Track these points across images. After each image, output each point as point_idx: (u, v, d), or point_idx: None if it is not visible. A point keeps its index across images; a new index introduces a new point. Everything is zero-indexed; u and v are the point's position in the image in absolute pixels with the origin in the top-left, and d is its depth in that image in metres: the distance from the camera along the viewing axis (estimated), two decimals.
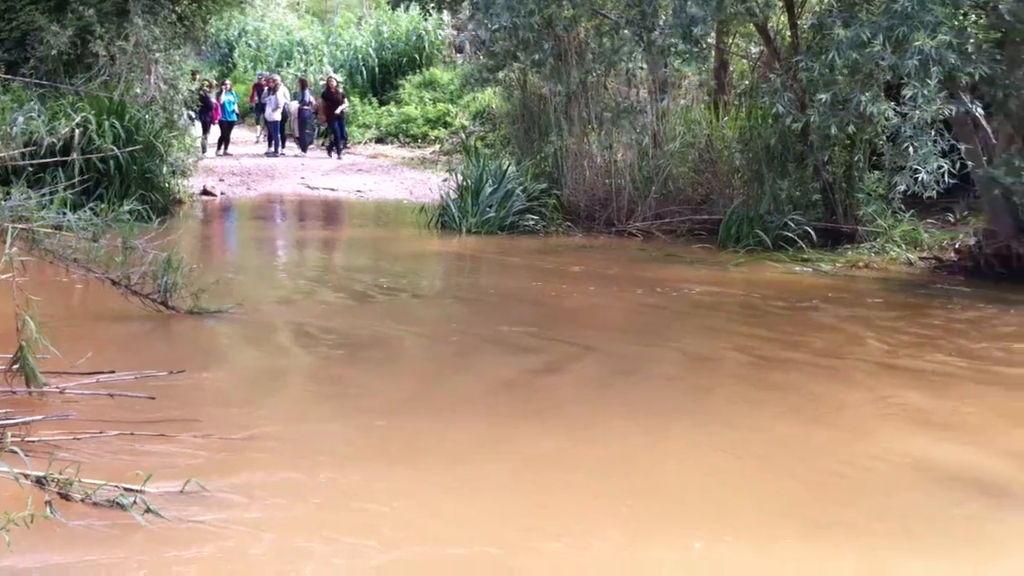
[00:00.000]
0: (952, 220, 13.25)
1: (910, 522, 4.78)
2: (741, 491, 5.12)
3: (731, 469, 5.41)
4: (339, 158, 23.25)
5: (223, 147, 23.47)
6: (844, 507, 4.93)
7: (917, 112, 9.63)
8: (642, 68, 15.07)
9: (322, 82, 25.51)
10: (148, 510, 4.47)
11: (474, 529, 4.62)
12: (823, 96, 10.68)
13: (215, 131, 23.45)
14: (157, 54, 15.86)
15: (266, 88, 24.10)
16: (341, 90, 24.18)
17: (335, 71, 27.43)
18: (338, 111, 23.54)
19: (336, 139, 23.79)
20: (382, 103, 27.10)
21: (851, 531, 4.65)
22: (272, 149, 23.86)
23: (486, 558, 4.36)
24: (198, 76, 23.00)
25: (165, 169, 14.86)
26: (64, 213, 7.31)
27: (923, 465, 5.55)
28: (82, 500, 4.54)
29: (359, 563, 4.28)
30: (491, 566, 4.29)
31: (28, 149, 10.75)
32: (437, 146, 24.52)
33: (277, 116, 23.74)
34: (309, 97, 24.25)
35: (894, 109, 10.04)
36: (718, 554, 4.43)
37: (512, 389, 6.88)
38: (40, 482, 4.55)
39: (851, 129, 11.11)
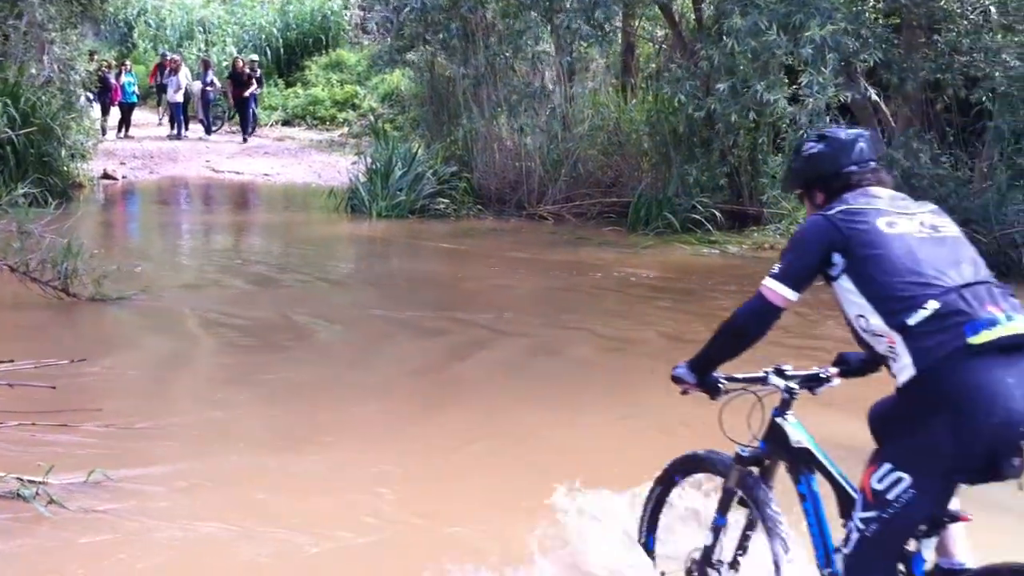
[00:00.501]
0: None
1: None
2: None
3: (639, 443, 5.45)
4: (245, 140, 22.85)
5: (124, 129, 22.89)
6: None
7: (811, 100, 9.80)
8: (547, 52, 15.08)
9: (226, 63, 25.04)
10: (51, 501, 4.37)
11: (376, 514, 4.59)
12: (722, 86, 10.83)
13: (115, 113, 22.85)
14: (53, 34, 15.40)
15: (168, 69, 23.56)
16: (248, 70, 23.71)
17: (239, 51, 26.93)
18: (247, 93, 23.10)
19: (243, 121, 23.36)
20: (288, 84, 26.70)
21: None
22: (175, 132, 23.35)
23: (388, 543, 4.34)
24: (96, 57, 22.38)
25: (63, 152, 14.47)
26: None
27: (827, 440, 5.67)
28: None
29: (261, 549, 4.24)
30: (393, 550, 4.26)
31: None
32: (345, 129, 24.25)
33: (179, 98, 23.23)
34: (212, 78, 23.77)
35: (788, 97, 10.21)
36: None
37: (423, 373, 6.85)
38: None
39: (751, 117, 11.28)
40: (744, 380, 3.31)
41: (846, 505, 2.98)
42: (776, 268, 3.01)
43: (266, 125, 24.79)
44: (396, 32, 15.86)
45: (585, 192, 14.17)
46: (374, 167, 14.60)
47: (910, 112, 11.57)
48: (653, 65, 15.95)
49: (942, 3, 10.91)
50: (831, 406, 6.27)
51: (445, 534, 4.37)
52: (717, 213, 12.63)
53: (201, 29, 29.92)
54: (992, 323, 2.67)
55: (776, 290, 2.98)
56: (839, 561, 2.92)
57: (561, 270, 10.61)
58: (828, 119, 10.01)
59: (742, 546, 3.39)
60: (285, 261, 11.34)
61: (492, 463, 5.28)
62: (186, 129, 23.56)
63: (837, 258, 2.89)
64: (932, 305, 2.71)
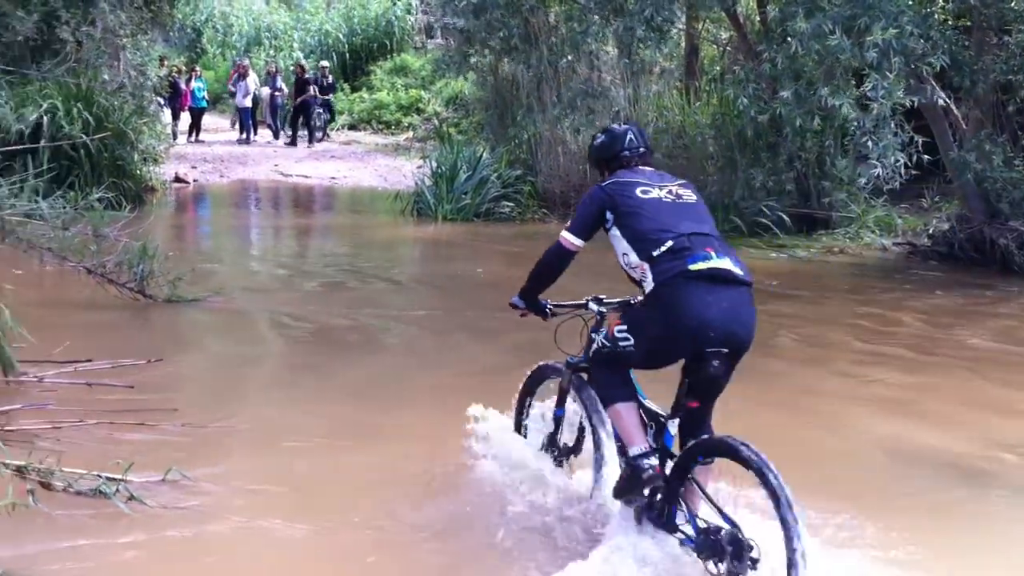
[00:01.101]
0: (925, 206, 13.37)
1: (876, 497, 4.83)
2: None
3: None
4: (309, 145, 23.10)
5: (194, 134, 23.29)
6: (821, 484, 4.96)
7: (876, 105, 9.67)
8: (607, 51, 15.07)
9: (293, 68, 25.36)
10: (131, 498, 4.45)
11: (450, 517, 4.62)
12: (785, 93, 10.73)
13: (186, 118, 23.26)
14: (124, 40, 15.72)
15: (237, 74, 23.92)
16: (309, 75, 23.97)
17: (305, 57, 27.26)
18: (299, 100, 23.38)
19: (308, 127, 23.60)
20: (354, 89, 26.97)
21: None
22: (244, 136, 23.69)
23: (463, 540, 4.38)
24: (166, 62, 22.78)
25: (136, 156, 14.72)
26: (36, 201, 7.21)
27: (891, 446, 5.63)
28: (64, 489, 4.50)
29: (326, 547, 4.30)
30: (472, 547, 4.29)
31: None
32: (410, 133, 24.43)
33: (248, 103, 23.57)
34: (280, 84, 24.09)
35: (851, 102, 10.07)
36: None
37: (485, 374, 6.86)
38: (21, 471, 4.50)
39: (816, 122, 11.16)
40: (570, 306, 4.55)
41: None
42: (569, 223, 4.23)
43: (333, 130, 25.08)
44: (454, 30, 15.93)
45: None
46: (439, 171, 14.69)
47: (981, 115, 11.36)
48: (718, 67, 15.85)
49: (1013, 4, 10.70)
50: (900, 408, 6.31)
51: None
52: (784, 217, 12.51)
53: (268, 35, 30.33)
54: (706, 258, 3.86)
55: (569, 238, 4.20)
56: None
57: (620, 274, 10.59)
58: (894, 123, 9.88)
59: (580, 433, 4.64)
60: (352, 263, 11.45)
61: None
62: (255, 134, 23.89)
63: (608, 215, 4.09)
64: (668, 244, 3.90)
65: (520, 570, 4.10)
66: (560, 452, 4.72)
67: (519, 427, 4.89)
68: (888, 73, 9.57)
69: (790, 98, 10.71)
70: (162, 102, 20.06)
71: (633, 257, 3.98)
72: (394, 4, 28.08)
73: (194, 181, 17.85)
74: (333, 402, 6.18)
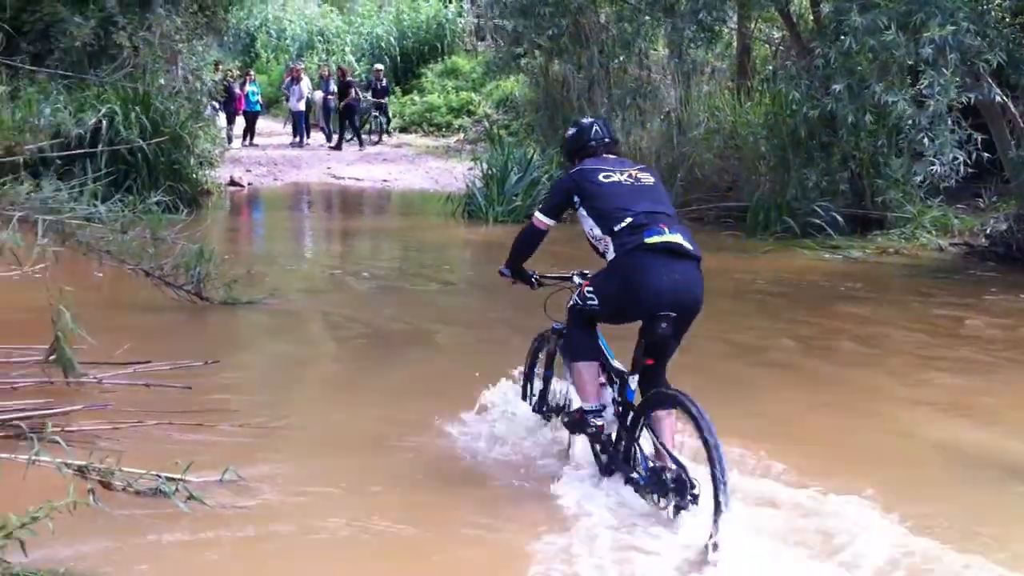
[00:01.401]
0: (982, 205, 13.15)
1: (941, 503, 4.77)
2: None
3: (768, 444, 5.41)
4: (360, 148, 23.25)
5: (248, 137, 23.54)
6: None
7: (932, 102, 9.55)
8: (655, 50, 15.03)
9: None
10: (190, 497, 4.50)
11: (500, 519, 4.64)
12: (837, 86, 10.62)
13: (240, 122, 23.52)
14: (180, 45, 15.92)
15: (290, 78, 24.15)
16: (351, 78, 24.16)
17: (357, 60, 27.46)
18: (343, 103, 23.56)
19: (353, 129, 23.75)
20: (405, 92, 27.11)
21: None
22: (297, 139, 23.91)
23: (511, 547, 4.38)
24: (221, 67, 23.05)
25: (192, 160, 14.92)
26: (95, 205, 7.32)
27: (952, 447, 5.56)
28: (124, 489, 4.56)
29: (389, 546, 4.33)
30: (512, 554, 4.31)
31: (56, 141, 10.79)
32: (461, 135, 24.51)
33: (301, 106, 23.79)
34: (333, 87, 24.29)
35: (906, 99, 9.95)
36: None
37: None
38: (82, 471, 4.57)
39: (869, 119, 11.04)
40: (556, 278, 5.21)
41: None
42: (542, 205, 5.00)
43: (385, 132, 25.24)
44: (502, 30, 15.98)
45: (701, 196, 14.06)
46: (490, 172, 14.73)
47: None
48: (770, 67, 15.73)
49: None
50: (959, 410, 6.22)
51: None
52: (838, 217, 12.38)
53: (320, 39, 30.58)
54: (660, 233, 4.46)
55: (541, 219, 4.89)
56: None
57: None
58: (951, 120, 9.75)
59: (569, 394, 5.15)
60: (404, 265, 11.52)
61: None
62: (308, 137, 24.10)
63: (576, 198, 4.72)
64: (628, 220, 4.52)
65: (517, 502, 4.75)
66: (550, 409, 5.38)
67: (525, 394, 5.62)
68: (944, 70, 9.45)
69: (843, 92, 10.60)
70: (217, 106, 20.31)
71: (598, 231, 4.64)
72: (445, 7, 28.19)
73: (248, 184, 18.05)
74: (386, 403, 6.22)
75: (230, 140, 21.92)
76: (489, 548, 4.38)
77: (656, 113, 14.68)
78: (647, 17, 14.24)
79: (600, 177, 4.70)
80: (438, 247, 12.88)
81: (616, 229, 4.51)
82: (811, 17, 13.46)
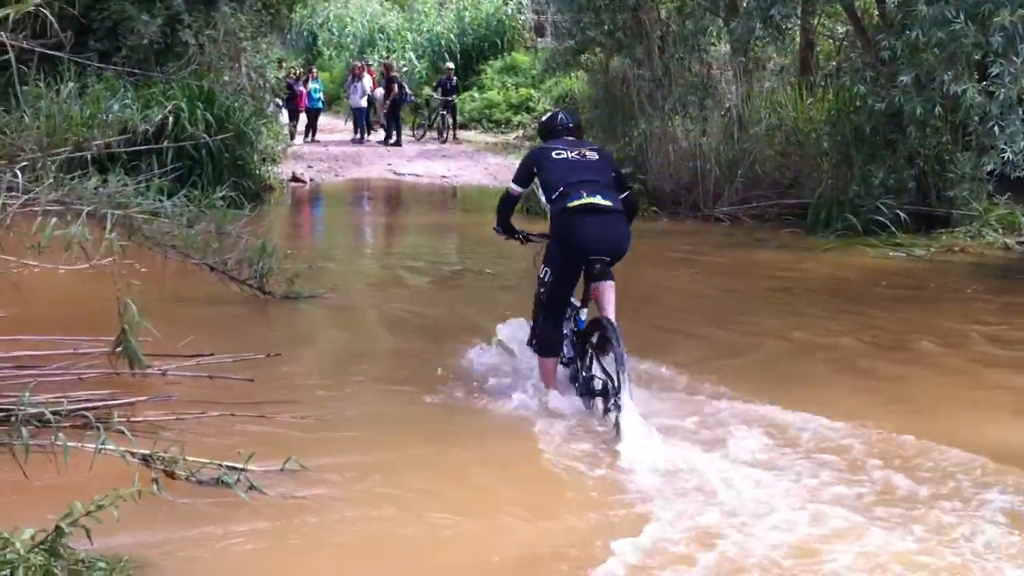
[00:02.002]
0: None
1: None
2: None
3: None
4: (399, 145, 23.32)
5: (310, 134, 23.77)
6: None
7: (1003, 91, 9.37)
8: (714, 45, 14.90)
9: (405, 68, 25.76)
10: (252, 487, 4.57)
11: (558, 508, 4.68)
12: (905, 78, 10.46)
13: (303, 119, 23.76)
14: (245, 42, 16.12)
15: (352, 75, 24.35)
16: (395, 73, 24.34)
17: (418, 58, 27.58)
18: (390, 99, 23.73)
19: (395, 127, 23.89)
20: (465, 89, 27.19)
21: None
22: (358, 136, 24.10)
23: (575, 535, 4.40)
24: (284, 64, 23.30)
25: (255, 156, 15.09)
26: (160, 200, 7.44)
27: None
28: (187, 478, 4.64)
29: (435, 538, 4.37)
30: (583, 543, 4.32)
31: (123, 136, 10.97)
32: (520, 131, 24.52)
33: (363, 103, 23.97)
34: (405, 87, 24.46)
35: (978, 88, 9.77)
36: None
37: None
38: (146, 460, 4.66)
39: (937, 111, 10.86)
40: (540, 236, 6.20)
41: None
42: (513, 176, 6.19)
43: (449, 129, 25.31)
44: (561, 29, 15.93)
45: (762, 193, 13.94)
46: None
47: None
48: (833, 63, 15.53)
49: None
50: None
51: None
52: (902, 215, 12.19)
53: (381, 36, 30.78)
54: (579, 197, 5.65)
55: (512, 187, 6.15)
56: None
57: (738, 272, 10.48)
58: (1021, 112, 9.57)
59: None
60: (463, 261, 11.57)
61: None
62: (368, 134, 24.28)
63: (535, 170, 5.96)
64: (560, 189, 5.74)
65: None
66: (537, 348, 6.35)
67: (531, 341, 6.39)
68: (1015, 58, 9.28)
69: (910, 85, 10.45)
70: (280, 103, 20.55)
71: (543, 199, 5.88)
72: (505, 3, 28.23)
73: (310, 180, 18.24)
74: (446, 396, 6.27)
75: (292, 137, 22.15)
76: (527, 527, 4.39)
77: (717, 109, 14.56)
78: (708, 13, 14.16)
79: (553, 154, 5.95)
80: (496, 243, 12.78)
81: (552, 197, 5.79)
82: (876, 11, 13.27)
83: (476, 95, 26.67)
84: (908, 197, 12.55)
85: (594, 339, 5.89)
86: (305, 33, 33.20)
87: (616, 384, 5.48)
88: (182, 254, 7.69)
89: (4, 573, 3.39)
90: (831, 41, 16.29)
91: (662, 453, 5.17)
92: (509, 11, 28.35)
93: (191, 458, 4.70)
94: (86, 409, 5.08)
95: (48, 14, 5.33)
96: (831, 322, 8.30)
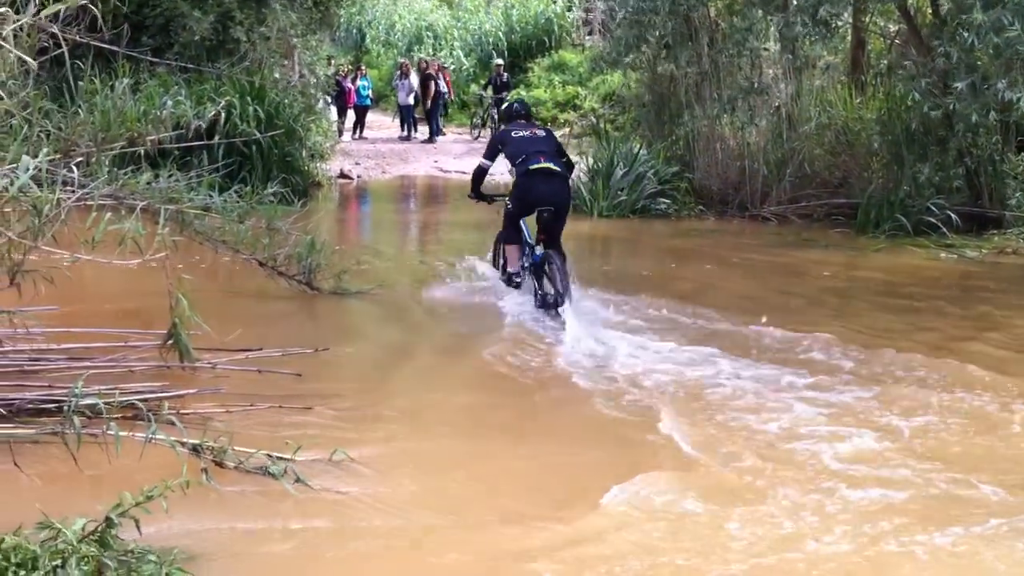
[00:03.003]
0: None
1: None
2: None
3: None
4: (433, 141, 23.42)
5: (358, 131, 23.91)
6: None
7: None
8: (766, 49, 14.79)
9: (453, 66, 25.82)
10: (298, 479, 4.62)
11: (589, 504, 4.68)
12: (960, 84, 10.32)
13: (351, 115, 23.90)
14: (295, 39, 16.24)
15: (399, 73, 24.44)
16: (430, 71, 24.39)
17: (465, 55, 27.61)
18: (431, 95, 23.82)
19: (430, 123, 23.94)
20: (512, 86, 27.17)
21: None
22: (405, 133, 24.20)
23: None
24: (333, 61, 23.44)
25: (304, 153, 15.20)
26: (211, 196, 7.52)
27: None
28: (235, 468, 4.71)
29: (487, 538, 4.40)
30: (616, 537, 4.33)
31: (176, 132, 11.07)
32: (567, 129, 24.45)
33: (410, 100, 24.06)
34: (441, 84, 24.50)
35: None
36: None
37: (648, 371, 6.85)
38: (195, 450, 4.73)
39: (993, 117, 10.71)
40: (499, 196, 8.62)
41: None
42: (483, 153, 8.49)
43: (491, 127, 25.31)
44: (614, 37, 15.87)
45: (811, 192, 13.82)
46: (595, 167, 14.69)
47: None
48: (885, 61, 15.34)
49: None
50: None
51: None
52: (953, 216, 12.03)
53: (429, 34, 30.86)
54: (537, 162, 7.88)
55: (483, 161, 8.40)
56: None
57: (785, 272, 10.41)
58: None
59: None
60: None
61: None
62: (415, 131, 24.37)
63: (501, 146, 8.19)
64: (522, 157, 7.96)
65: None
66: (503, 272, 8.85)
67: (495, 263, 9.12)
68: None
69: (965, 91, 10.31)
70: (329, 100, 20.66)
71: (510, 165, 8.23)
72: (553, 1, 28.17)
73: (358, 177, 18.34)
74: (495, 393, 6.31)
75: (340, 133, 22.28)
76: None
77: (765, 108, 14.45)
78: (758, 11, 14.04)
79: (512, 134, 8.26)
80: None
81: (516, 163, 8.10)
82: (929, 10, 13.09)
83: (523, 92, 26.63)
84: (959, 198, 12.39)
85: (545, 268, 8.08)
86: (354, 31, 33.36)
87: (561, 295, 7.77)
88: (232, 249, 7.77)
89: (56, 563, 3.45)
90: (882, 39, 16.09)
91: (592, 337, 7.36)
92: (557, 9, 28.30)
93: (239, 448, 4.77)
94: (137, 400, 5.17)
95: (95, 9, 5.41)
96: (894, 322, 8.21)
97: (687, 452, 5.26)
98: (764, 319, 7.84)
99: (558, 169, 7.92)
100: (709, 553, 4.17)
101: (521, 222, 8.30)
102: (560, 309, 7.66)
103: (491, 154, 8.27)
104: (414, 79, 24.12)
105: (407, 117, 24.25)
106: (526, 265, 8.31)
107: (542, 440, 5.59)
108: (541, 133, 8.27)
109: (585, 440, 5.58)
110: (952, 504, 4.68)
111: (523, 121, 8.42)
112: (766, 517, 4.50)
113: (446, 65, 26.44)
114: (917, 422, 5.77)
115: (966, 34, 10.09)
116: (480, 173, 8.39)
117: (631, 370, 6.74)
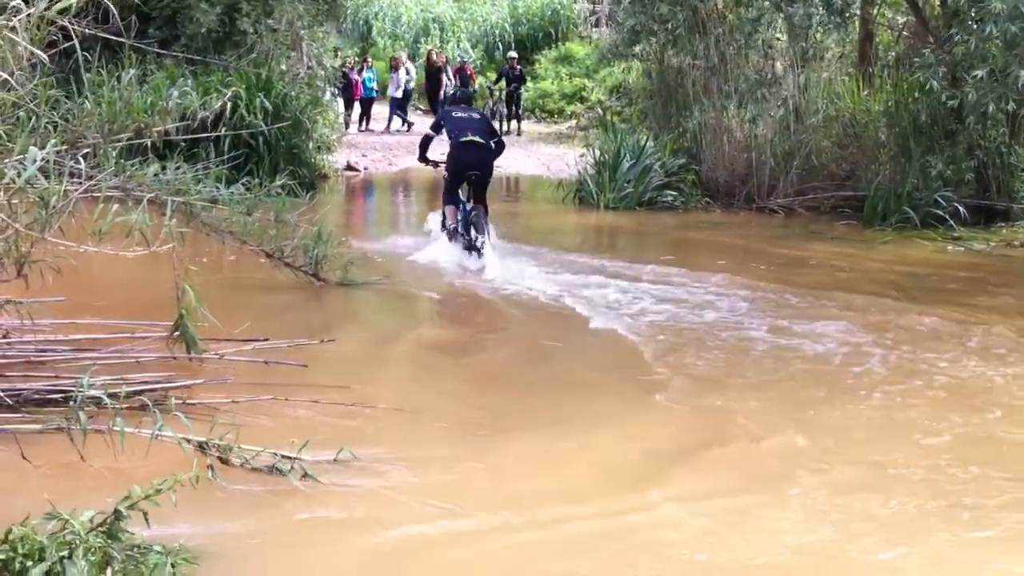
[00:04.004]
0: None
1: None
2: None
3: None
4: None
5: (364, 123, 23.86)
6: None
7: None
8: (779, 39, 14.74)
9: (460, 58, 25.76)
10: (305, 475, 4.61)
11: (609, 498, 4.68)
12: (979, 72, 10.28)
13: (357, 108, 23.84)
14: (302, 31, 16.21)
15: (391, 66, 24.39)
16: (438, 63, 24.30)
17: (472, 47, 27.56)
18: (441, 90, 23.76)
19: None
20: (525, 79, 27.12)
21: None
22: (404, 126, 24.11)
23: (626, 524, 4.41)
24: (340, 53, 23.38)
25: (311, 145, 15.18)
26: (218, 187, 7.52)
27: None
28: (241, 465, 4.70)
29: (495, 538, 4.36)
30: (636, 531, 4.32)
31: (183, 123, 11.06)
32: (573, 121, 24.44)
33: (398, 94, 23.94)
34: (448, 74, 24.43)
35: None
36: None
37: (659, 363, 6.84)
38: (202, 447, 4.72)
39: (1010, 106, 10.66)
40: (442, 162, 10.53)
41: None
42: (430, 125, 10.93)
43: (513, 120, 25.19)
44: (620, 27, 15.83)
45: (818, 185, 13.78)
46: (602, 159, 14.66)
47: None
48: (892, 53, 15.29)
49: None
50: None
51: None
52: (960, 208, 11.99)
53: (435, 26, 30.81)
54: (466, 136, 9.99)
55: (427, 131, 10.70)
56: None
57: (791, 263, 10.39)
58: None
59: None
60: (516, 251, 11.55)
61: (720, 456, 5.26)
62: (403, 125, 24.23)
63: (443, 123, 10.39)
64: (456, 132, 10.06)
65: None
66: (442, 227, 10.50)
67: (442, 226, 10.50)
68: None
69: (984, 79, 10.27)
70: (335, 92, 20.62)
71: (447, 138, 10.00)
72: None
73: (364, 169, 18.33)
74: (501, 388, 6.30)
75: (347, 126, 22.25)
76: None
77: (773, 100, 14.40)
78: (767, 3, 14.00)
79: (453, 115, 10.29)
80: (549, 232, 12.88)
81: (452, 136, 9.97)
82: (937, 1, 13.03)
83: (529, 85, 26.62)
84: (967, 190, 12.35)
85: (471, 218, 10.01)
86: (360, 22, 33.27)
87: (481, 238, 9.78)
88: (239, 241, 7.77)
89: (63, 554, 3.45)
90: (890, 31, 16.04)
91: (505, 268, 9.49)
92: (564, 1, 28.25)
93: (245, 444, 4.75)
94: (143, 391, 5.17)
95: (107, 1, 5.40)
96: (906, 314, 8.20)
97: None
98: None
99: (483, 142, 9.94)
100: None
101: (460, 191, 10.29)
102: (479, 247, 9.70)
103: (436, 127, 10.44)
104: (403, 73, 24.00)
105: (391, 110, 24.12)
106: (459, 219, 10.15)
107: (558, 434, 5.57)
108: (476, 116, 10.60)
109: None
110: None
111: (464, 106, 10.92)
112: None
113: (467, 60, 26.29)
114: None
115: (982, 23, 10.05)
116: (426, 140, 10.56)
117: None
